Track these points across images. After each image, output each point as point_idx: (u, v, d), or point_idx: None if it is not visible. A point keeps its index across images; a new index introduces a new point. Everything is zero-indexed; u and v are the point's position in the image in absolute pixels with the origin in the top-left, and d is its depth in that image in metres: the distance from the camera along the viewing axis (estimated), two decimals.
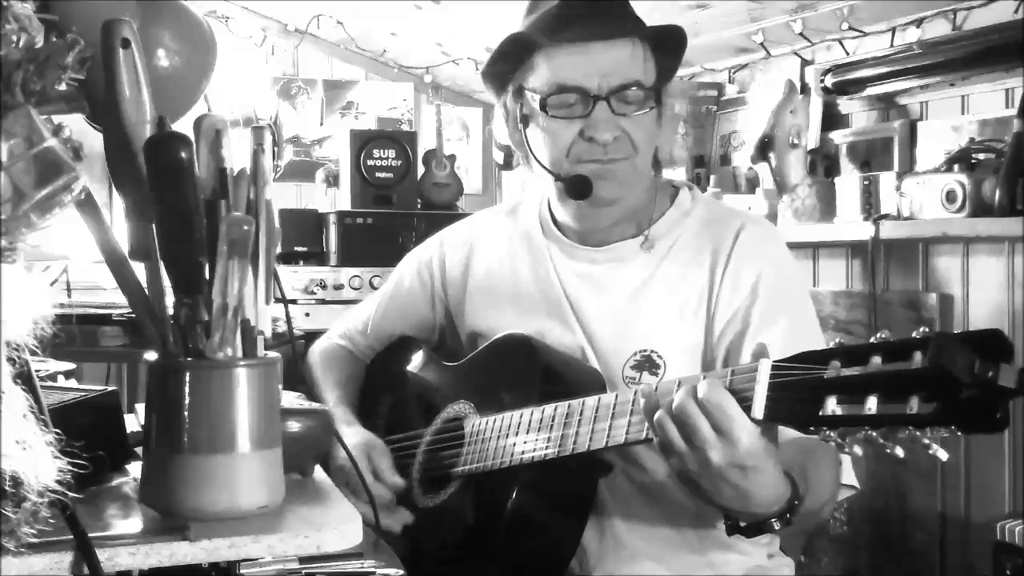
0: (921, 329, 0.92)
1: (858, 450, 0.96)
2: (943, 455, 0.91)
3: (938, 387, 0.88)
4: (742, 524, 1.15)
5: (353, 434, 1.49)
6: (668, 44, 1.45)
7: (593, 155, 1.42)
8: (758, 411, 1.03)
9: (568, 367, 1.43)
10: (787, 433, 1.12)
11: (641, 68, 1.42)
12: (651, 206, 1.51)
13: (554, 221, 1.57)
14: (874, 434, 0.93)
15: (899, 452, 0.93)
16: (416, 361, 1.64)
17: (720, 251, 1.44)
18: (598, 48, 1.41)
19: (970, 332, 0.90)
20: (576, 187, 1.44)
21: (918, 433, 0.90)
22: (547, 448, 1.26)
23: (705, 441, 1.05)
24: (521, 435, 1.30)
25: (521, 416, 1.31)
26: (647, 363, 1.43)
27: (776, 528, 1.13)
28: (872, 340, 0.95)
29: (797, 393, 0.99)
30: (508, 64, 1.49)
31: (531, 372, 1.38)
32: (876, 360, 0.93)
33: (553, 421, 1.27)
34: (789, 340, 1.32)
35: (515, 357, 1.42)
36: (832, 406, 0.95)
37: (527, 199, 1.66)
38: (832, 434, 0.96)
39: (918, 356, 0.90)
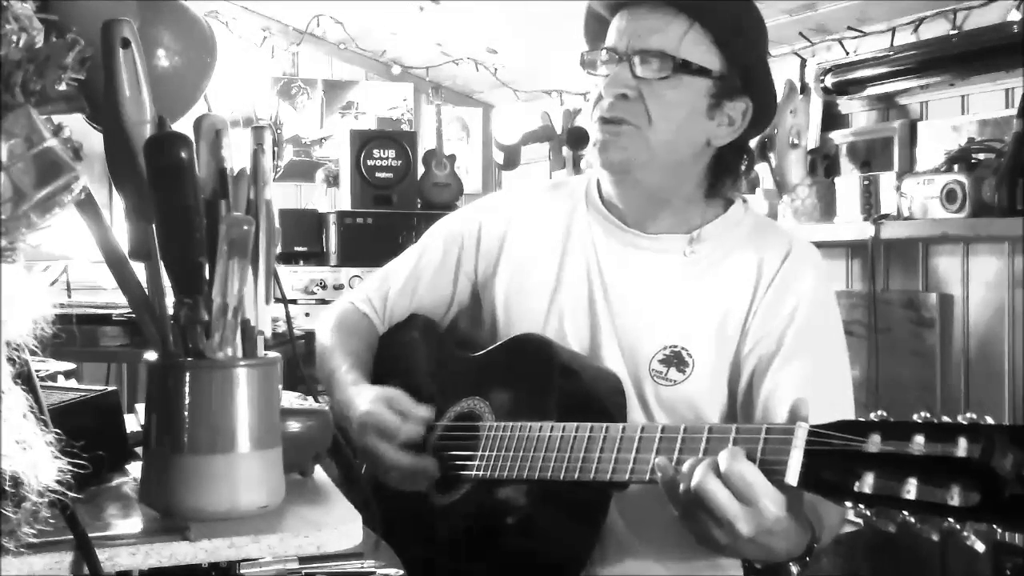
0: (968, 415, 0.89)
1: (891, 528, 0.93)
2: (980, 547, 0.89)
3: (983, 482, 0.86)
4: (758, 567, 1.15)
5: (367, 390, 1.46)
6: (709, 18, 1.40)
7: (600, 111, 1.43)
8: (792, 477, 1.00)
9: (588, 375, 1.41)
10: None
11: (675, 41, 1.38)
12: (699, 208, 1.49)
13: (601, 199, 1.54)
14: (912, 519, 0.91)
15: (935, 538, 0.90)
16: (429, 344, 1.60)
17: (767, 267, 1.43)
18: (641, 13, 1.42)
19: (1021, 427, 0.87)
20: (572, 137, 1.45)
21: (958, 526, 0.88)
22: (565, 470, 1.24)
23: (733, 516, 1.03)
24: (541, 451, 1.27)
25: (541, 430, 1.29)
26: (676, 359, 1.42)
27: (794, 571, 1.13)
28: (916, 418, 0.93)
29: (834, 463, 0.97)
30: (593, 39, 1.51)
31: (548, 378, 1.36)
32: (918, 439, 0.91)
33: (573, 443, 1.24)
34: (818, 375, 1.33)
35: (533, 360, 1.40)
36: (869, 482, 0.93)
37: (575, 179, 1.64)
38: (868, 512, 0.94)
39: (963, 442, 0.88)
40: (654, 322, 1.44)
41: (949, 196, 2.35)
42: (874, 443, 0.94)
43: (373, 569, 1.20)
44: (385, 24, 4.03)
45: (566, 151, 3.47)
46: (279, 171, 4.15)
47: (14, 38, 0.80)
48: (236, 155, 0.98)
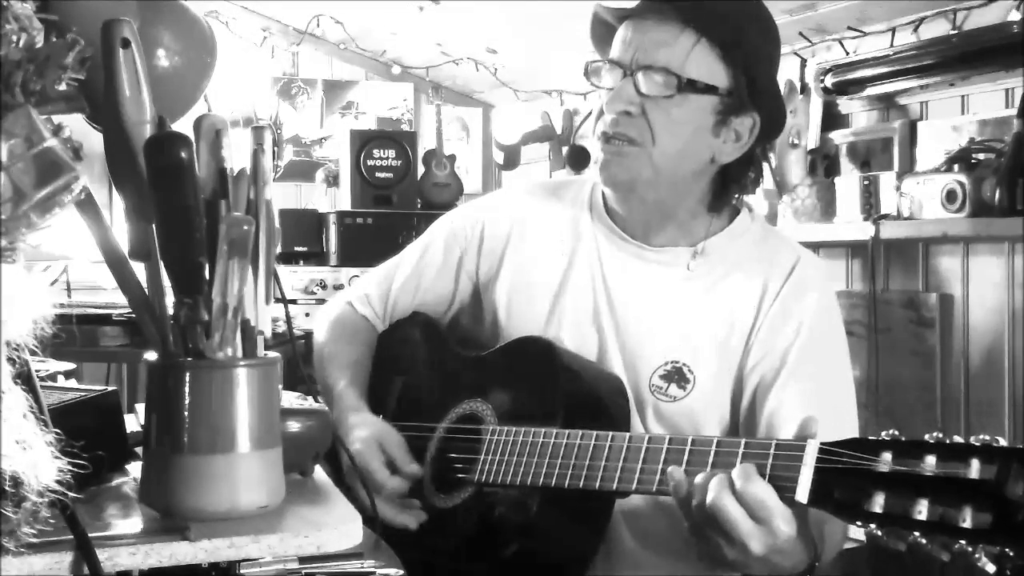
0: (981, 437, 0.89)
1: (901, 547, 0.93)
2: (991, 568, 0.89)
3: (996, 504, 0.85)
4: None
5: (363, 423, 1.44)
6: (718, 33, 1.36)
7: (603, 127, 1.40)
8: (802, 495, 1.00)
9: (589, 375, 1.41)
10: None
11: (681, 57, 1.35)
12: (704, 220, 1.47)
13: (605, 208, 1.52)
14: (923, 540, 0.90)
15: (945, 558, 0.90)
16: (430, 345, 1.59)
17: (772, 282, 1.41)
18: (647, 25, 1.38)
19: None
20: (572, 156, 1.43)
21: (969, 548, 0.88)
22: (570, 478, 1.23)
23: (745, 534, 1.03)
24: (546, 457, 1.27)
25: (545, 436, 1.28)
26: (677, 375, 1.41)
27: None
28: (928, 438, 0.92)
29: (845, 482, 0.96)
30: (600, 44, 1.48)
31: (552, 382, 1.35)
32: (930, 460, 0.90)
33: (578, 450, 1.24)
34: (822, 393, 1.33)
35: (536, 363, 1.39)
36: (880, 501, 0.92)
37: (577, 180, 1.62)
38: (879, 532, 0.93)
39: (976, 464, 0.87)
40: (656, 336, 1.43)
41: (949, 196, 2.35)
42: (885, 462, 0.93)
43: (373, 569, 1.20)
44: (385, 24, 4.03)
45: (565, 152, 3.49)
46: (279, 171, 4.15)
47: (14, 38, 0.80)
48: (236, 155, 0.98)
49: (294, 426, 1.12)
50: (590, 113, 1.44)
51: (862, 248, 2.70)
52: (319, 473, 1.16)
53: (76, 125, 0.86)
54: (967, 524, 0.86)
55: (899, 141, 2.70)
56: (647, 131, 1.37)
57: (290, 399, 1.23)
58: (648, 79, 1.36)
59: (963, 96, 2.58)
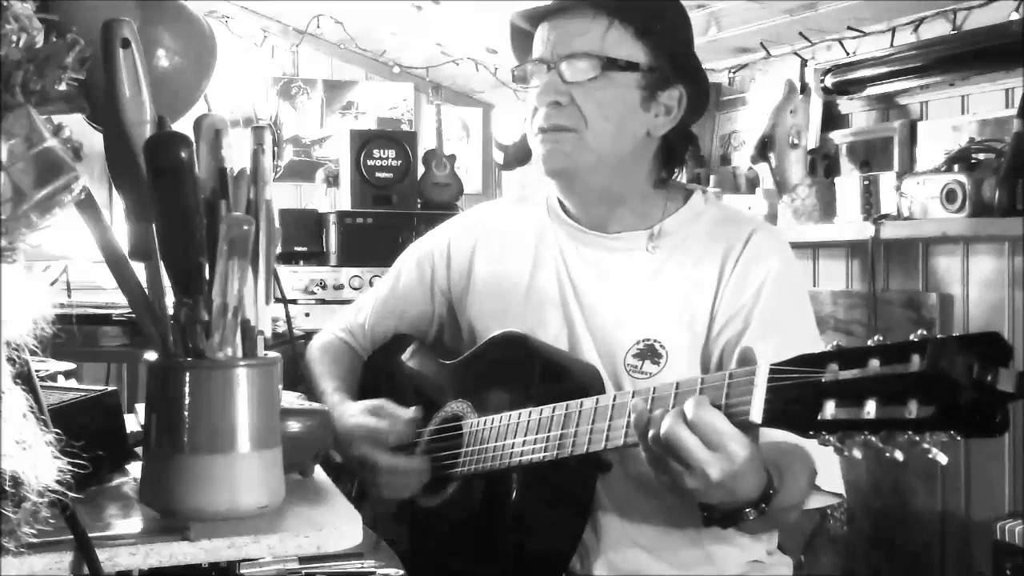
0: (919, 332, 0.91)
1: (857, 453, 0.95)
2: (943, 459, 0.91)
3: (936, 391, 0.87)
4: (717, 516, 1.17)
5: (352, 406, 1.51)
6: (627, 14, 1.44)
7: (538, 122, 1.46)
8: (756, 415, 1.03)
9: (566, 365, 1.44)
10: (768, 435, 1.13)
11: (597, 41, 1.42)
12: (657, 202, 1.52)
13: (561, 206, 1.58)
14: (873, 439, 0.92)
15: (898, 456, 0.92)
16: (412, 360, 1.65)
17: (731, 251, 1.46)
18: (562, 21, 1.46)
19: (968, 335, 0.89)
20: (515, 154, 1.48)
21: (917, 438, 0.90)
22: (545, 450, 1.27)
23: (703, 462, 1.06)
24: (520, 436, 1.31)
25: (519, 417, 1.32)
26: (650, 352, 1.44)
27: (750, 518, 1.15)
28: (870, 343, 0.95)
29: (795, 396, 0.99)
30: (520, 53, 1.54)
31: (528, 371, 1.39)
32: (874, 363, 0.93)
33: (551, 423, 1.28)
34: (789, 347, 1.34)
35: (512, 356, 1.43)
36: (831, 410, 0.94)
37: (537, 189, 1.68)
38: (831, 438, 0.95)
39: (916, 359, 0.89)
40: (625, 319, 1.47)
41: (949, 196, 2.35)
42: (832, 372, 0.95)
43: (373, 569, 1.20)
44: (385, 24, 4.02)
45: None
46: (279, 171, 4.15)
47: (14, 38, 0.80)
48: (236, 155, 0.98)
49: (294, 426, 1.12)
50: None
51: (862, 248, 2.70)
52: (319, 473, 1.17)
53: (76, 125, 0.86)
54: (913, 415, 0.89)
55: (899, 141, 2.70)
56: (579, 117, 1.43)
57: (290, 399, 1.24)
58: (571, 66, 1.43)
59: (963, 96, 2.58)
